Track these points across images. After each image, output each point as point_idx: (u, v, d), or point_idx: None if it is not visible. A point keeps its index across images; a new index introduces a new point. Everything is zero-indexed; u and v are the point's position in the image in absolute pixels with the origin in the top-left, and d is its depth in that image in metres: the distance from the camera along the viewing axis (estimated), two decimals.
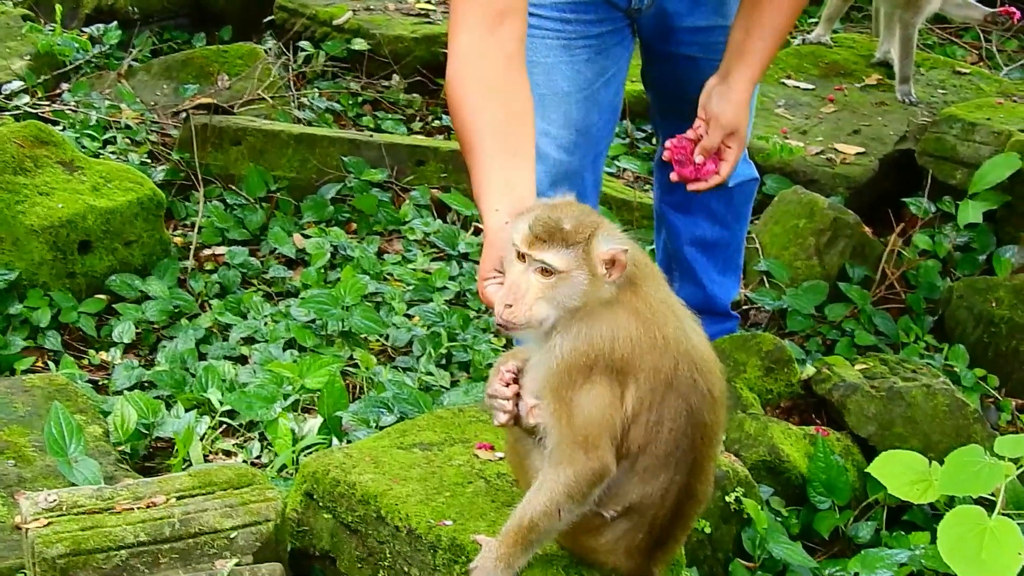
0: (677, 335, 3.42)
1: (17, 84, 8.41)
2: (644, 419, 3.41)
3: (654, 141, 8.39)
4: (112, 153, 7.63)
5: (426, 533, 3.74)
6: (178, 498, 3.83)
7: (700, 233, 5.60)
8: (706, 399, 3.47)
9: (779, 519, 4.57)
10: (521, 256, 3.37)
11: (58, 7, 9.15)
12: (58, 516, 3.69)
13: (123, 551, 3.61)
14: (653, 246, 6.04)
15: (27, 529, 3.63)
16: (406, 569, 3.79)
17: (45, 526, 3.63)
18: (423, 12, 9.96)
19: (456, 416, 4.47)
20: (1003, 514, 3.97)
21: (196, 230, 6.99)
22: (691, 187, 4.75)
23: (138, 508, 3.76)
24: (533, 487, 3.47)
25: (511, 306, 3.35)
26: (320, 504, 4.02)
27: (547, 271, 3.33)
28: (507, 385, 3.53)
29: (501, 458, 4.12)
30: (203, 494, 3.86)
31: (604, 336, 3.33)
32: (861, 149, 7.75)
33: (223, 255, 6.83)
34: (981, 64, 9.47)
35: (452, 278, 6.67)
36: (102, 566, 3.59)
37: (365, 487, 3.92)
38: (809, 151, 7.69)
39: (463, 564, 3.63)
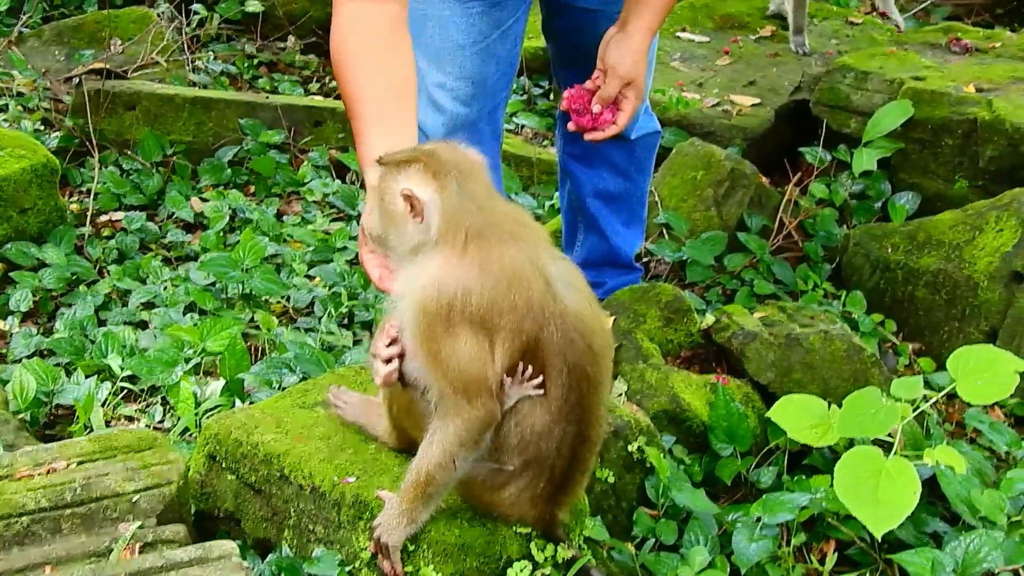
0: (543, 298, 3.39)
1: None
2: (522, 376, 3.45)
3: (552, 96, 8.44)
4: (4, 121, 7.54)
5: (330, 490, 3.74)
6: (79, 463, 3.80)
7: (603, 185, 5.62)
8: (586, 353, 3.48)
9: (682, 467, 4.61)
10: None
11: None
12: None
13: (24, 517, 3.57)
14: (557, 197, 6.07)
15: None
16: (311, 527, 3.79)
17: None
18: None
19: (357, 374, 4.46)
20: (900, 455, 4.05)
21: (92, 196, 6.93)
22: (588, 136, 4.76)
23: (38, 474, 3.72)
24: (424, 441, 3.48)
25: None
26: (223, 465, 4.01)
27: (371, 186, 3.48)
28: (391, 344, 3.54)
29: None
30: (104, 459, 3.83)
31: (451, 287, 3.32)
32: (757, 100, 7.80)
33: (120, 221, 6.78)
34: (873, 14, 9.53)
35: (352, 238, 6.64)
36: (3, 533, 3.55)
37: (268, 447, 3.91)
38: (705, 103, 7.73)
39: (368, 520, 3.65)
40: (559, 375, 3.45)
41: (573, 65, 5.22)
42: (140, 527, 3.62)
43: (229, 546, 3.55)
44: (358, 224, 6.72)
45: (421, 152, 3.45)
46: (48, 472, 3.74)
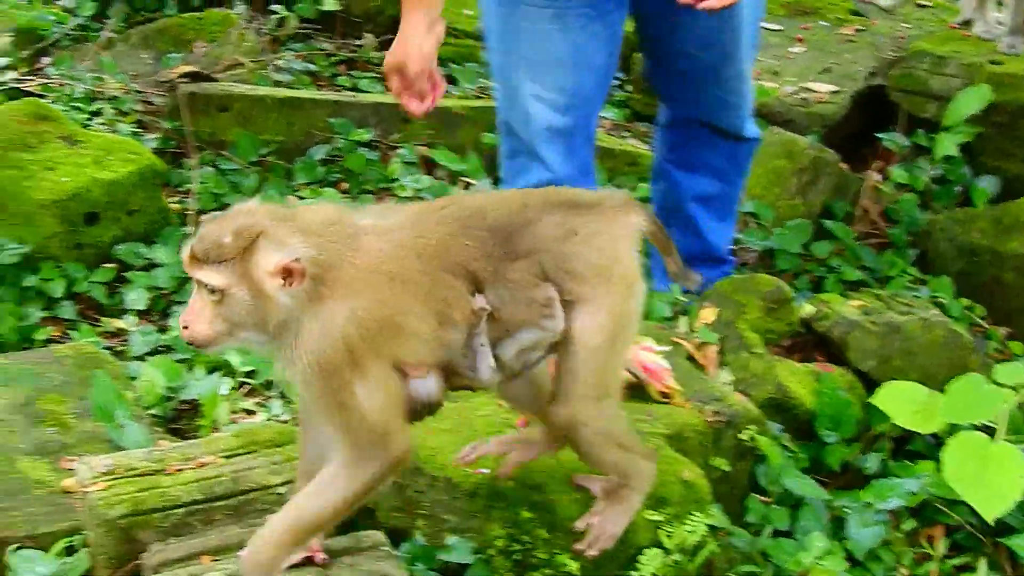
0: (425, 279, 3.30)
1: (1, 60, 8.49)
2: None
3: (628, 88, 8.55)
4: (101, 124, 7.72)
5: (463, 481, 3.90)
6: (225, 457, 3.99)
7: (702, 190, 5.76)
8: None
9: (789, 454, 4.74)
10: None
11: None
12: (115, 479, 3.83)
13: (179, 510, 3.76)
14: (643, 190, 6.20)
15: (86, 493, 3.77)
16: (444, 517, 3.93)
17: (105, 489, 3.79)
18: None
19: None
20: (1004, 440, 4.18)
21: (193, 197, 7.11)
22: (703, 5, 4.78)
23: (188, 468, 3.92)
24: (323, 481, 3.36)
25: (188, 327, 3.19)
26: None
27: (212, 289, 3.14)
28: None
29: None
30: (247, 453, 4.02)
31: (340, 324, 3.18)
32: (833, 87, 7.91)
33: None
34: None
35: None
36: (161, 525, 3.74)
37: None
38: (783, 91, 7.84)
39: (501, 509, 3.81)
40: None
41: (670, 69, 5.36)
42: None
43: (378, 536, 3.74)
44: None
45: (250, 222, 3.16)
46: (199, 466, 3.94)
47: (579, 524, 3.77)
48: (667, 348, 4.67)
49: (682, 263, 3.81)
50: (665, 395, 4.47)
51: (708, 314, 5.18)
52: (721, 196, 5.82)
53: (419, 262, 3.31)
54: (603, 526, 3.75)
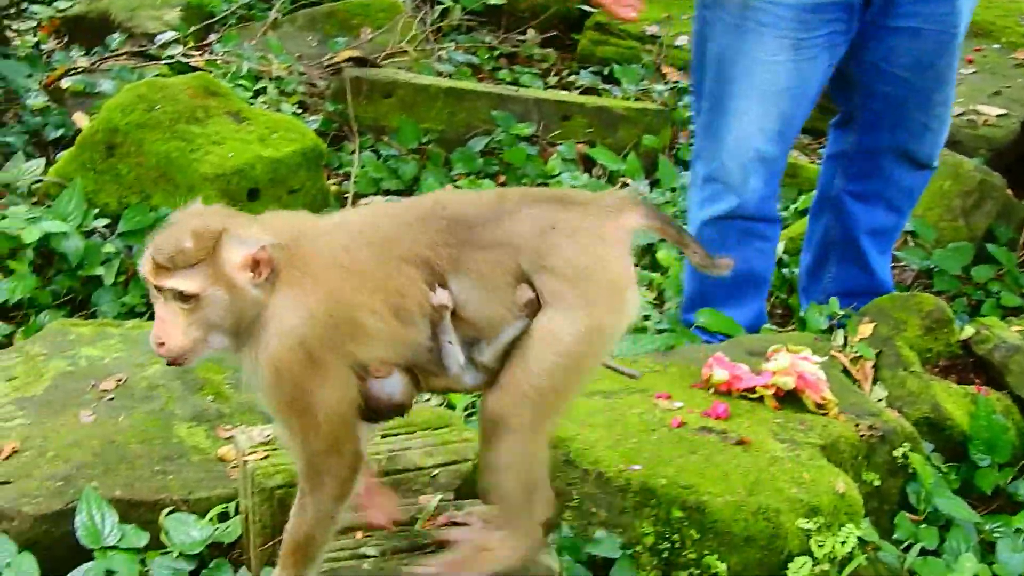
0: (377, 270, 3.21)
1: (170, 35, 8.66)
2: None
3: None
4: (263, 104, 7.83)
5: (616, 477, 3.88)
6: (383, 436, 4.02)
7: (878, 223, 5.65)
8: None
9: (940, 474, 4.65)
10: (157, 288, 3.13)
11: None
12: (273, 450, 3.87)
13: None
14: (801, 201, 6.15)
15: (245, 462, 3.82)
16: (593, 510, 3.92)
17: (263, 459, 3.83)
18: None
19: (631, 366, 4.62)
20: None
21: (352, 179, 7.18)
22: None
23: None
24: (296, 507, 3.35)
25: (163, 343, 3.12)
26: None
27: (184, 296, 3.09)
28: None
29: (680, 407, 4.28)
30: (405, 434, 4.04)
31: (289, 334, 3.12)
32: (1003, 111, 7.78)
33: None
34: None
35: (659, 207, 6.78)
36: None
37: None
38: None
39: (653, 506, 3.80)
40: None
41: (875, 94, 5.29)
42: (441, 500, 3.81)
43: None
44: None
45: (207, 223, 3.16)
46: None
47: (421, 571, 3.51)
48: (824, 359, 4.62)
49: (706, 252, 3.61)
50: (820, 406, 4.43)
51: (866, 329, 5.12)
52: (893, 229, 5.75)
53: (370, 251, 3.22)
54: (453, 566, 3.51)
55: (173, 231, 3.13)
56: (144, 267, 3.13)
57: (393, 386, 3.31)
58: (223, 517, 3.93)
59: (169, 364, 3.18)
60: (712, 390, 4.46)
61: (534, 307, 3.25)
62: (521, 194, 3.39)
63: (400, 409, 3.37)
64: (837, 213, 5.72)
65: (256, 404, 4.34)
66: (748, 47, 5.04)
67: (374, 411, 3.33)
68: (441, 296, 3.23)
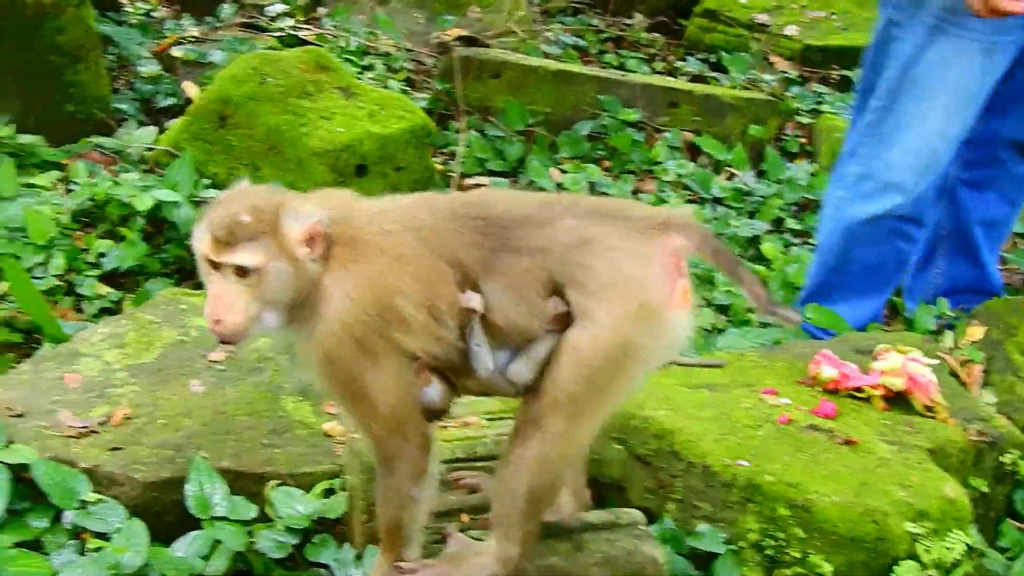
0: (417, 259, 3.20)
1: (280, 7, 8.69)
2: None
3: None
4: (371, 80, 7.84)
5: (722, 472, 3.88)
6: (488, 419, 4.03)
7: (991, 213, 5.62)
8: None
9: None
10: (214, 264, 3.13)
11: None
12: None
13: (442, 466, 3.77)
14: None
15: (354, 438, 3.83)
16: (697, 503, 3.93)
17: None
18: None
19: (738, 360, 4.62)
20: None
21: (458, 159, 7.19)
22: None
23: (453, 426, 3.96)
24: (378, 493, 3.39)
25: (220, 320, 3.12)
26: (611, 435, 4.15)
27: (244, 271, 3.10)
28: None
29: (787, 403, 4.26)
30: (510, 418, 4.02)
31: (337, 319, 3.13)
32: None
33: (484, 185, 7.01)
34: None
35: (707, 221, 6.77)
36: None
37: (660, 422, 4.06)
38: None
39: (758, 503, 3.78)
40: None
41: (1013, 86, 5.24)
42: None
43: (636, 514, 3.74)
44: (711, 208, 6.89)
45: (268, 194, 3.23)
46: (462, 425, 3.98)
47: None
48: (935, 362, 4.58)
49: (768, 296, 3.38)
50: (929, 409, 4.39)
51: (975, 331, 5.07)
52: (1005, 222, 5.69)
53: (413, 238, 3.20)
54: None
55: (231, 207, 3.14)
56: (201, 243, 3.13)
57: (432, 393, 3.31)
58: (328, 493, 3.94)
59: (222, 343, 3.21)
60: (819, 387, 4.43)
61: (565, 320, 3.22)
62: (571, 202, 3.34)
63: (439, 414, 3.37)
64: (949, 203, 5.69)
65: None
66: (944, 49, 5.00)
67: None
68: (471, 298, 3.21)
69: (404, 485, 3.33)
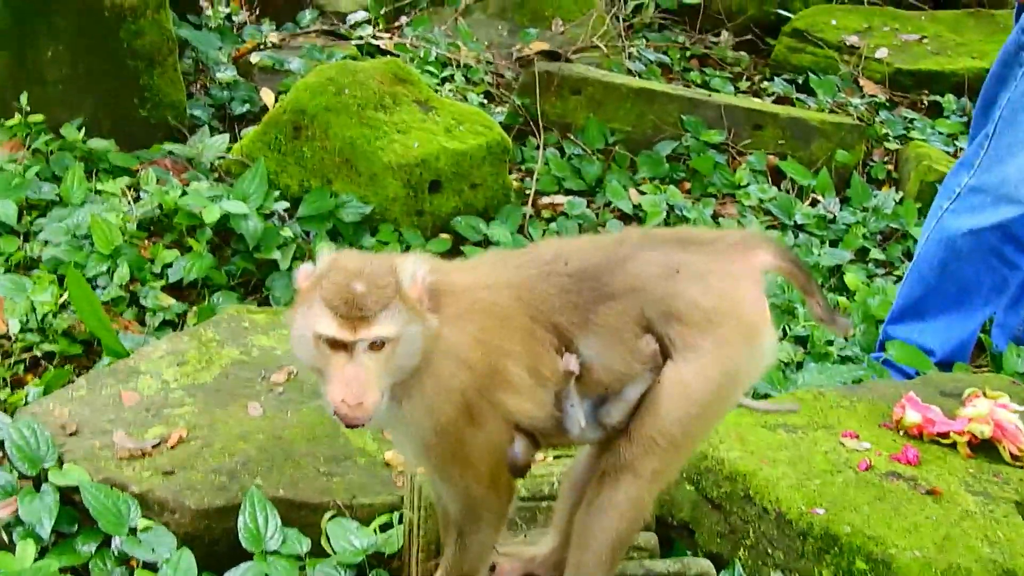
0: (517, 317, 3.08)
1: (361, 15, 8.63)
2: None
3: None
4: (451, 91, 7.75)
5: (797, 519, 3.72)
6: (555, 457, 3.89)
7: None
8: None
9: None
10: (342, 345, 2.89)
11: None
12: None
13: None
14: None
15: (413, 475, 3.70)
16: (769, 551, 3.78)
17: None
18: None
19: (817, 399, 4.44)
20: None
21: (535, 177, 7.06)
22: None
23: None
24: (455, 545, 3.28)
25: (362, 403, 2.86)
26: (683, 475, 4.02)
27: (378, 345, 2.88)
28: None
29: (868, 448, 4.09)
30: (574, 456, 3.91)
31: (449, 384, 2.99)
32: None
33: (561, 204, 6.89)
34: None
35: (790, 248, 6.59)
36: None
37: (733, 464, 3.92)
38: None
39: (835, 555, 3.62)
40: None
41: None
42: None
43: (705, 564, 3.61)
44: (794, 234, 6.72)
45: (378, 261, 2.99)
46: None
47: None
48: (1022, 408, 4.39)
49: (829, 306, 3.40)
50: (1016, 457, 4.20)
51: None
52: None
53: (509, 295, 3.07)
54: None
55: (350, 282, 2.90)
56: (326, 327, 2.88)
57: (516, 451, 3.19)
58: (385, 527, 3.82)
59: (349, 427, 2.96)
60: (902, 432, 4.26)
61: (658, 358, 3.12)
62: (640, 236, 3.25)
63: (524, 470, 3.25)
64: None
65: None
66: None
67: None
68: (569, 362, 3.10)
69: (490, 537, 3.27)
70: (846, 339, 5.37)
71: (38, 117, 6.32)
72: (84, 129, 6.43)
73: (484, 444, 3.09)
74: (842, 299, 6.18)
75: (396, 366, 2.91)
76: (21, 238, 5.71)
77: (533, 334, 3.07)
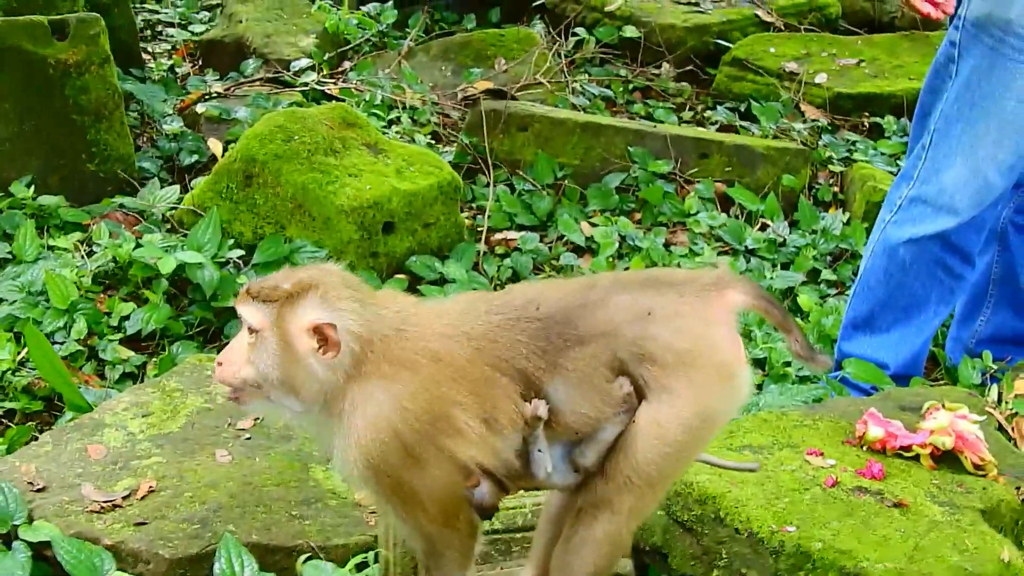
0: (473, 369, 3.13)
1: (305, 62, 8.65)
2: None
3: None
4: (397, 133, 7.77)
5: (768, 537, 3.74)
6: (526, 490, 3.90)
7: None
8: None
9: None
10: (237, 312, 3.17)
11: None
12: None
13: (482, 538, 3.67)
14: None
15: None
16: (743, 571, 3.80)
17: None
18: (694, 1, 9.96)
19: (780, 419, 4.48)
20: None
21: (486, 214, 7.09)
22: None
23: None
24: None
25: (221, 363, 3.14)
26: None
27: (250, 328, 3.10)
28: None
29: (833, 465, 4.13)
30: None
31: (381, 426, 3.04)
32: None
33: (514, 240, 6.92)
34: None
35: (741, 273, 6.64)
36: None
37: (703, 487, 3.93)
38: None
39: (808, 571, 3.65)
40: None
41: None
42: None
43: None
44: (745, 259, 6.77)
45: (306, 278, 3.13)
46: None
47: None
48: (982, 418, 4.44)
49: (808, 343, 3.46)
50: (978, 467, 4.25)
51: (1022, 385, 4.94)
52: None
53: (468, 346, 3.12)
54: None
55: (292, 271, 3.16)
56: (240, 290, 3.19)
57: (482, 493, 3.25)
58: (360, 567, 3.82)
59: (229, 398, 3.19)
60: (866, 447, 4.30)
61: (632, 401, 3.16)
62: (612, 280, 3.31)
63: (490, 512, 3.30)
64: (1000, 247, 5.58)
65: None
66: (1001, 74, 4.92)
67: None
68: (538, 407, 3.14)
69: (452, 575, 3.29)
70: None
71: None
72: (33, 186, 6.42)
73: (432, 485, 3.11)
74: (798, 320, 6.22)
75: (258, 362, 3.08)
76: None
77: (493, 383, 3.10)
